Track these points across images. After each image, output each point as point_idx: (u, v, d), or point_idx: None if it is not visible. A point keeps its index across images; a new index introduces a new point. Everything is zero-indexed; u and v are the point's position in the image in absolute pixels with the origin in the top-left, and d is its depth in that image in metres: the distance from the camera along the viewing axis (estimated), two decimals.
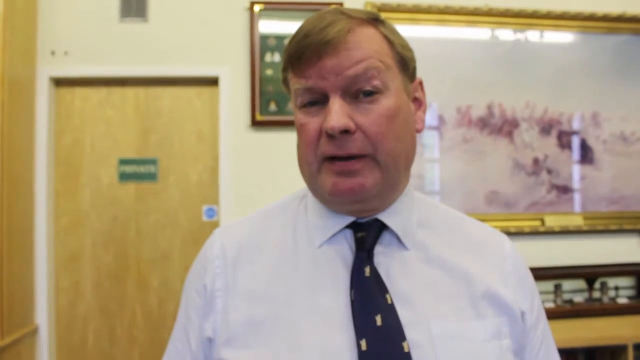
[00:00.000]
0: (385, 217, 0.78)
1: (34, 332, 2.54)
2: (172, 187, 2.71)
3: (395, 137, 0.73)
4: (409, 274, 0.76)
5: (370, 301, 0.72)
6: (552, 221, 2.71)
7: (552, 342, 0.87)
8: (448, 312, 0.74)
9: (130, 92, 2.74)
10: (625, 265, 2.69)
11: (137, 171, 2.70)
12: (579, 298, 2.64)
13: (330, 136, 0.71)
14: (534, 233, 2.70)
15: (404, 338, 0.70)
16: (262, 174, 2.63)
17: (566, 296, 2.65)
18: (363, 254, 0.76)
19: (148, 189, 2.71)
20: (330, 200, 0.76)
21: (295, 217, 0.83)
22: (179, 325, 0.85)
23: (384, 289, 0.74)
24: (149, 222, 2.70)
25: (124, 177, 2.70)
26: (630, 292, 2.73)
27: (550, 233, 2.71)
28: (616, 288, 2.69)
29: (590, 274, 2.65)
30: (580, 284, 2.69)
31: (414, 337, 0.71)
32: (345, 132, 0.70)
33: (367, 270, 0.75)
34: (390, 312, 0.72)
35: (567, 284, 2.68)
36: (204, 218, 2.70)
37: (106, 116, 2.73)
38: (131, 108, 2.74)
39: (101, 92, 2.73)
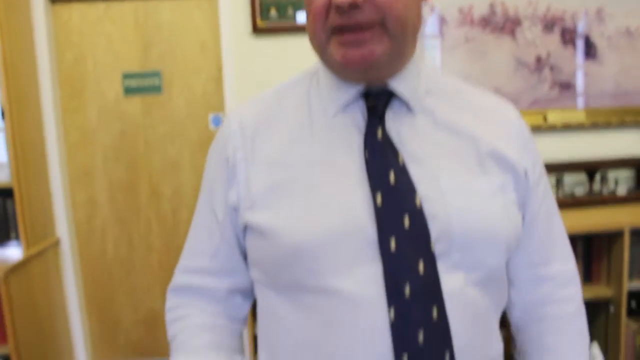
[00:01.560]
0: (394, 83, 0.81)
1: (57, 243, 2.65)
2: (177, 98, 2.74)
3: (404, 5, 0.74)
4: (418, 136, 0.80)
5: (383, 160, 0.77)
6: (554, 117, 2.74)
7: (553, 202, 0.92)
8: (456, 169, 0.79)
9: (128, 6, 2.71)
10: (625, 158, 2.74)
11: (142, 84, 2.71)
12: (579, 190, 2.70)
13: (339, 9, 0.72)
14: (537, 129, 2.73)
15: (416, 193, 0.75)
16: (265, 80, 2.64)
17: (567, 189, 2.73)
18: (375, 119, 0.80)
19: (154, 102, 2.74)
20: (341, 70, 0.79)
21: (308, 91, 0.86)
22: (203, 203, 0.90)
23: (395, 151, 0.78)
24: (157, 134, 2.75)
25: (129, 91, 2.72)
26: (630, 184, 2.79)
27: (553, 129, 2.75)
28: (616, 180, 2.75)
29: (591, 167, 2.70)
30: (581, 177, 2.75)
31: (425, 191, 0.76)
32: (354, 7, 0.71)
33: (379, 134, 0.79)
34: (402, 171, 0.76)
35: (569, 178, 2.75)
36: (211, 126, 2.74)
37: (106, 32, 2.71)
38: (130, 22, 2.72)
39: (99, 8, 2.70)
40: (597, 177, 2.72)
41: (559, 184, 2.67)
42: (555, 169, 2.66)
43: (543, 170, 0.90)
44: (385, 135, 0.79)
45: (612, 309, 2.47)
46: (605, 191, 2.70)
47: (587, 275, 2.51)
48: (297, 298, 0.78)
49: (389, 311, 0.71)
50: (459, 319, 0.74)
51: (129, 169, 2.76)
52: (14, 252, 2.42)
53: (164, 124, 2.75)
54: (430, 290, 0.73)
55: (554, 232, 0.91)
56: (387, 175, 0.75)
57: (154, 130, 2.75)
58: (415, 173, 0.77)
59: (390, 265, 0.72)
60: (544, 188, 0.89)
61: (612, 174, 2.77)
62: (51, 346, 2.53)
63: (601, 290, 2.47)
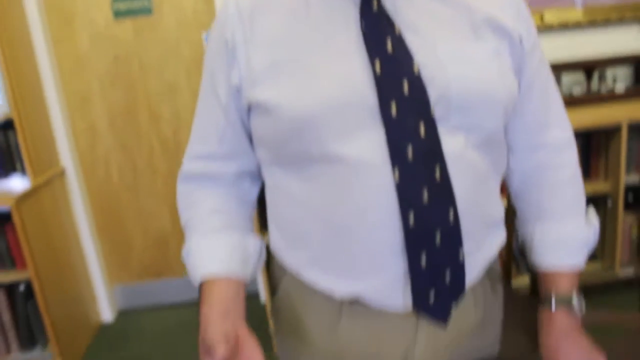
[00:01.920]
0: None
1: (62, 173, 2.68)
2: (169, 19, 2.69)
3: None
4: (412, 7, 0.81)
5: (380, 30, 0.78)
6: (551, 17, 2.70)
7: (550, 72, 0.94)
8: (451, 36, 0.80)
9: None
10: (623, 55, 2.71)
11: (131, 7, 2.66)
12: (577, 90, 2.70)
13: None
14: None
15: (413, 60, 0.77)
16: None
17: (565, 89, 2.73)
18: None
19: (145, 24, 2.69)
20: None
21: None
22: (206, 89, 0.91)
23: (391, 22, 0.79)
24: (151, 56, 2.72)
25: (119, 14, 2.66)
26: (628, 81, 2.79)
27: (550, 29, 2.71)
28: (614, 78, 2.74)
29: (589, 66, 2.68)
30: (579, 76, 2.75)
31: (422, 58, 0.77)
32: None
33: (375, 6, 0.79)
34: (399, 40, 0.78)
35: (566, 78, 2.74)
36: (204, 45, 2.71)
37: None
38: None
39: None
40: (595, 75, 2.71)
41: (556, 84, 2.66)
42: (553, 69, 2.63)
43: (538, 41, 0.91)
44: (381, 6, 0.80)
45: (609, 203, 2.53)
46: (603, 89, 2.70)
47: (586, 171, 2.56)
48: (304, 170, 0.81)
49: (394, 172, 0.75)
50: (460, 179, 0.78)
51: (127, 94, 2.76)
52: (19, 183, 2.45)
53: (157, 46, 2.71)
54: (432, 152, 0.76)
55: (550, 100, 0.94)
56: (385, 44, 0.77)
57: (147, 53, 2.71)
58: (412, 41, 0.78)
59: (392, 129, 0.75)
60: (539, 56, 0.90)
61: (610, 72, 2.76)
62: (68, 271, 2.62)
63: (599, 186, 2.53)
